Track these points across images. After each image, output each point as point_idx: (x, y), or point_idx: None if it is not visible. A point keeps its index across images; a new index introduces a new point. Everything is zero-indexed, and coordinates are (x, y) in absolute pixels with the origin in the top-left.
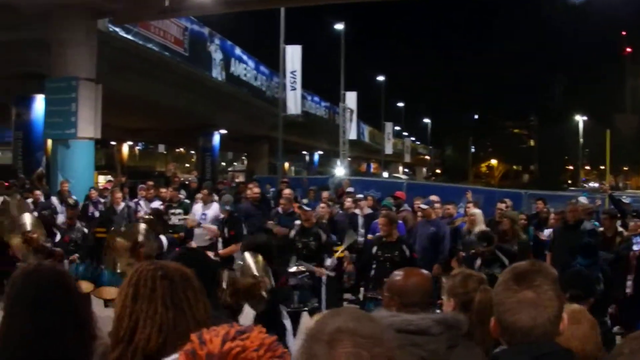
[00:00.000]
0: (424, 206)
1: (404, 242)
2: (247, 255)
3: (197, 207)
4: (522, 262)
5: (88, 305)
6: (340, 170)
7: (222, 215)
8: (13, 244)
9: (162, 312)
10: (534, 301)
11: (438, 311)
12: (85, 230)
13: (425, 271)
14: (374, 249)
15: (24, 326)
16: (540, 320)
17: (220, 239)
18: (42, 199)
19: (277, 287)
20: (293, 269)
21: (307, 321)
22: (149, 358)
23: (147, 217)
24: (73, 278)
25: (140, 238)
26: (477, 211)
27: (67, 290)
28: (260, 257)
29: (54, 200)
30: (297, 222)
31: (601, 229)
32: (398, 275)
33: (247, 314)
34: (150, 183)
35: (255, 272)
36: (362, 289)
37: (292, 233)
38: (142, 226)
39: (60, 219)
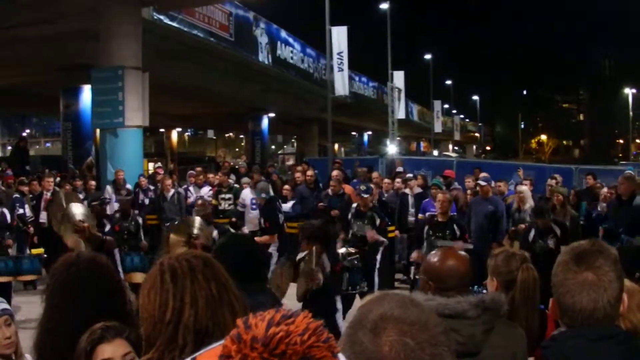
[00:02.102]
0: (482, 183)
1: (455, 221)
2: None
3: (246, 192)
4: (581, 242)
5: (126, 295)
6: (392, 149)
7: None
8: (65, 235)
9: (205, 285)
10: (595, 283)
11: (484, 291)
12: (140, 219)
13: (463, 253)
14: (426, 229)
15: (64, 317)
16: (601, 303)
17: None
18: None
19: (332, 273)
20: (342, 250)
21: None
22: (200, 333)
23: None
24: (112, 268)
25: (195, 231)
26: (525, 188)
27: (107, 281)
28: (317, 253)
29: (109, 189)
30: (354, 205)
31: None
32: (434, 257)
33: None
34: (199, 169)
35: (313, 266)
36: (412, 269)
37: (349, 216)
38: (197, 219)
39: (115, 207)
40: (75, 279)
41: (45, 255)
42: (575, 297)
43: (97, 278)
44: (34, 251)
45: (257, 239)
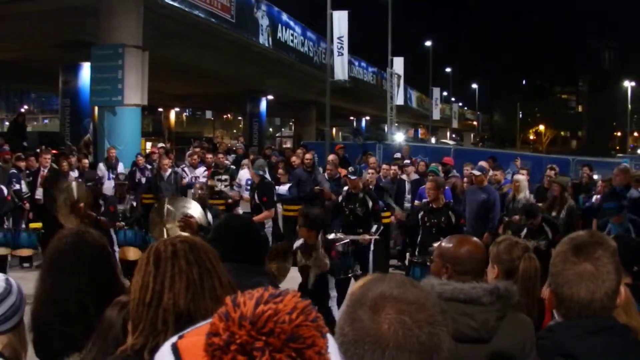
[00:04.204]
0: (477, 172)
1: (450, 208)
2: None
3: (243, 173)
4: (580, 232)
5: (118, 271)
6: (399, 136)
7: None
8: (62, 215)
9: (187, 269)
10: (593, 274)
11: None
12: (134, 203)
13: (477, 239)
14: (421, 215)
15: (56, 289)
16: (598, 295)
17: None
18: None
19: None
20: (331, 236)
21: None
22: (181, 317)
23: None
24: (105, 244)
25: (190, 211)
26: (522, 177)
27: (104, 256)
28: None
29: (102, 166)
30: (345, 187)
31: None
32: (451, 242)
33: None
34: (197, 149)
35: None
36: (407, 255)
37: (340, 198)
38: (189, 199)
39: (107, 185)
40: (70, 254)
41: (42, 231)
42: (573, 288)
43: (92, 253)
44: (32, 225)
45: (255, 218)
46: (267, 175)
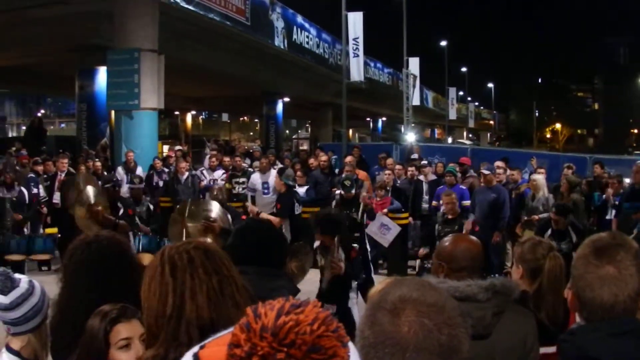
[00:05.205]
0: (485, 171)
1: (464, 217)
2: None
3: (256, 177)
4: (602, 234)
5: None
6: (410, 137)
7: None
8: (77, 215)
9: (206, 279)
10: (616, 277)
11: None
12: (151, 206)
13: (474, 238)
14: (437, 226)
15: (82, 295)
16: (621, 297)
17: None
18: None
19: (347, 260)
20: None
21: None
22: (205, 330)
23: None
24: (130, 247)
25: (213, 215)
26: (539, 176)
27: (125, 260)
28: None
29: (120, 170)
30: (338, 191)
31: None
32: (447, 241)
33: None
34: (214, 152)
35: (334, 255)
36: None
37: (333, 204)
38: (215, 203)
39: (125, 188)
40: (94, 258)
41: (59, 235)
42: (596, 291)
43: (116, 256)
44: (48, 230)
45: (263, 215)
46: (291, 183)
